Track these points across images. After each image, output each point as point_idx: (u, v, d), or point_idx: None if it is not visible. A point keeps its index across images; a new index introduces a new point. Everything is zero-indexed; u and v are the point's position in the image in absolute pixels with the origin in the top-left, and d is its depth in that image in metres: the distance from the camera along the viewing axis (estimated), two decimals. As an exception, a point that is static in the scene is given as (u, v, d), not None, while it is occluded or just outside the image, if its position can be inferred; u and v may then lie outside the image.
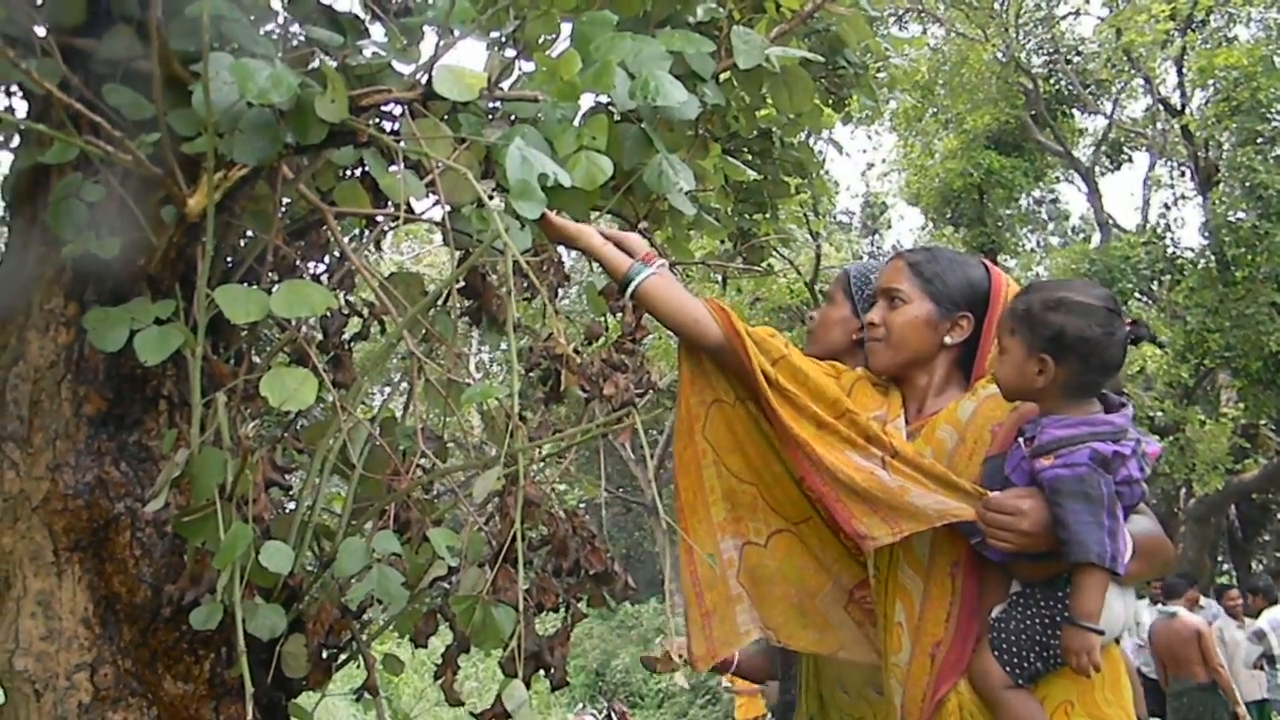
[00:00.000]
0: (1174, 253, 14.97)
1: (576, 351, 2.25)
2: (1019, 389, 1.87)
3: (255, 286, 2.23)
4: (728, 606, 2.08)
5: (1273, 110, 12.94)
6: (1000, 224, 17.72)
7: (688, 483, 2.08)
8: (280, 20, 2.36)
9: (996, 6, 15.21)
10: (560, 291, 2.31)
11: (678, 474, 2.09)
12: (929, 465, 1.87)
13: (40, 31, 2.11)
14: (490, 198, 1.93)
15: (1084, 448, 1.76)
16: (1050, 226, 20.80)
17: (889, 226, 21.27)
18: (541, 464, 2.36)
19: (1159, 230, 15.68)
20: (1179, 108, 14.81)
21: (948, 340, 2.03)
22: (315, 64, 2.10)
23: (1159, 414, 13.93)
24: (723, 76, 2.75)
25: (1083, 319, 1.80)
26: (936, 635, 1.89)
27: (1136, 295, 15.19)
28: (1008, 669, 1.81)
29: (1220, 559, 18.24)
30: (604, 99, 2.40)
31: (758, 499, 2.10)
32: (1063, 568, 1.78)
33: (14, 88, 2.28)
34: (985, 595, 1.89)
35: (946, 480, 1.85)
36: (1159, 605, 8.08)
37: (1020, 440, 1.86)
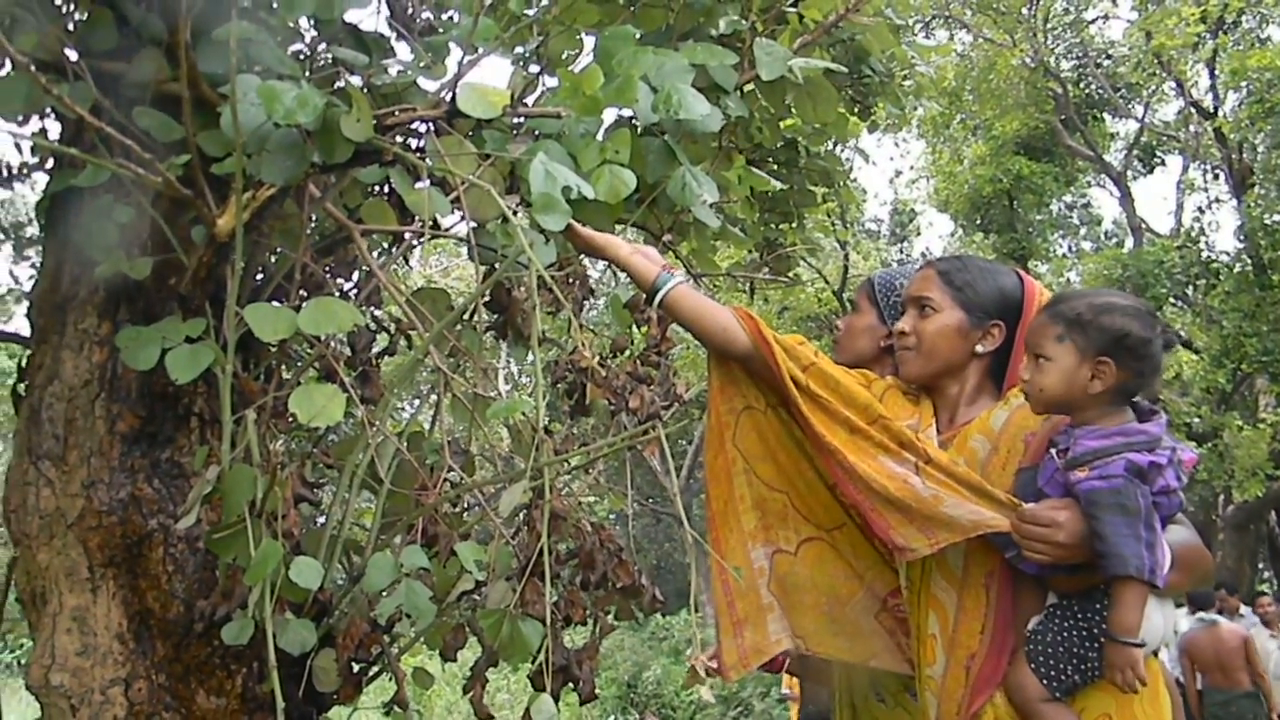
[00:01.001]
0: (1209, 257, 14.77)
1: (602, 364, 2.25)
2: (1063, 397, 1.82)
3: (284, 304, 2.26)
4: (759, 615, 2.08)
5: (1308, 111, 12.77)
6: (1031, 229, 17.57)
7: (718, 491, 2.08)
8: (307, 41, 2.39)
9: (1024, 12, 15.11)
10: (585, 305, 2.31)
11: (708, 483, 2.09)
12: (963, 473, 1.85)
13: (72, 55, 2.15)
14: (514, 212, 1.94)
15: (1119, 459, 1.73)
16: (1082, 231, 20.59)
17: (918, 234, 21.14)
18: (569, 476, 2.37)
19: (1193, 234, 15.49)
20: (1211, 110, 14.63)
21: (979, 349, 2.01)
22: (341, 84, 2.12)
23: (1196, 420, 13.73)
24: (746, 88, 2.76)
25: (1138, 321, 1.78)
26: (971, 648, 1.87)
27: (1171, 300, 15.00)
28: (1045, 682, 1.78)
29: (1261, 566, 17.94)
30: (627, 113, 2.41)
31: (788, 506, 2.10)
32: (1099, 579, 1.75)
33: (47, 111, 2.32)
34: (1020, 607, 1.86)
35: (980, 489, 1.84)
36: (1198, 614, 7.98)
37: (1053, 452, 1.83)
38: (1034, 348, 1.87)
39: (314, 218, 2.44)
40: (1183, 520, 1.90)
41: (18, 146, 2.50)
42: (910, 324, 2.04)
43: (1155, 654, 1.88)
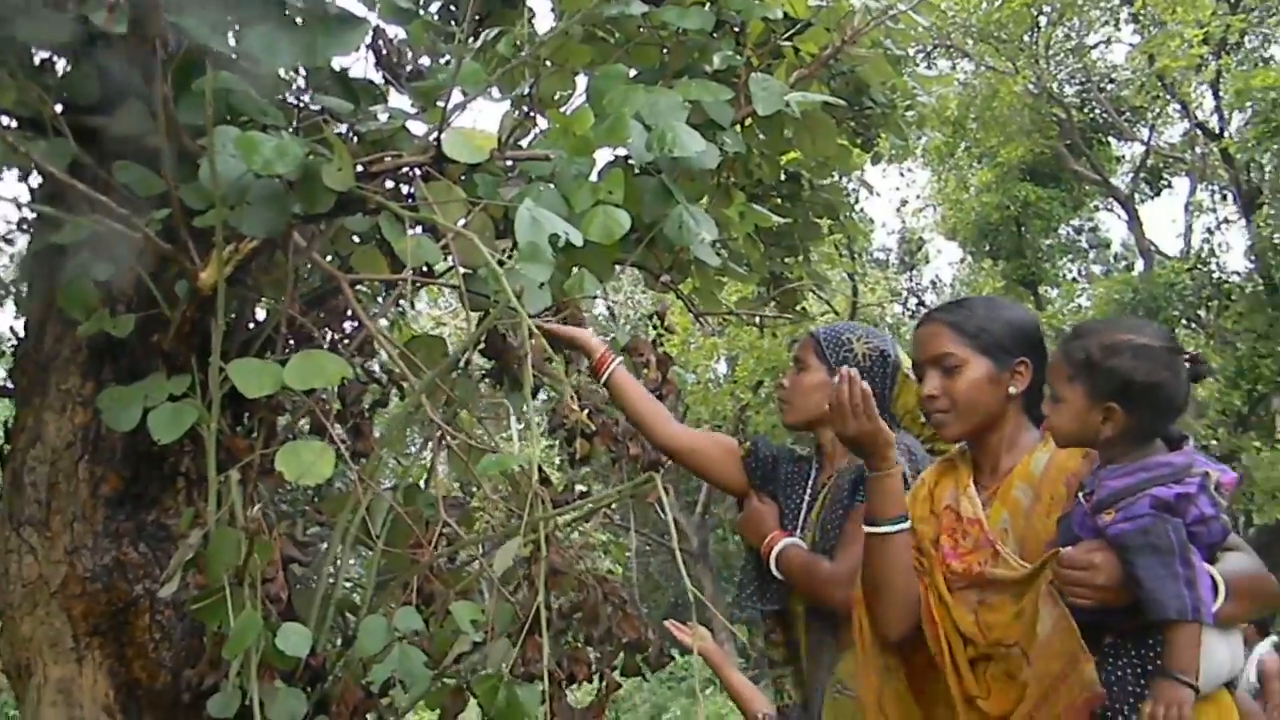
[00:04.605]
0: (1220, 278, 14.67)
1: (599, 410, 2.18)
2: (1078, 438, 1.78)
3: (272, 357, 2.20)
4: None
5: (1314, 130, 12.70)
6: (1040, 255, 17.50)
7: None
8: (295, 89, 2.35)
9: (1026, 39, 15.13)
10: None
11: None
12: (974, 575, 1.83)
13: (57, 107, 2.12)
14: (506, 259, 1.89)
15: (1144, 496, 1.67)
16: (1091, 255, 20.49)
17: (927, 261, 21.07)
18: (569, 528, 2.29)
19: (1203, 256, 15.39)
20: (1217, 131, 14.58)
21: (1011, 390, 1.93)
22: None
23: (1213, 443, 13.56)
24: (744, 124, 2.71)
25: (1149, 363, 1.72)
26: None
27: (1183, 322, 14.88)
28: None
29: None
30: (623, 152, 2.36)
31: None
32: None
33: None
34: None
35: (984, 581, 1.81)
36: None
37: (1081, 496, 1.77)
38: (1050, 386, 1.81)
39: (303, 268, 2.39)
40: (1242, 545, 1.81)
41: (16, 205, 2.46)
42: (937, 386, 1.95)
43: (1231, 687, 1.78)
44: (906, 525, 1.89)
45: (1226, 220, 16.41)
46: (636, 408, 2.20)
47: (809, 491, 2.28)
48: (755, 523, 2.26)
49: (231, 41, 1.97)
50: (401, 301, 3.06)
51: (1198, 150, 15.97)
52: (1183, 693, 1.62)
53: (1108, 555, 1.67)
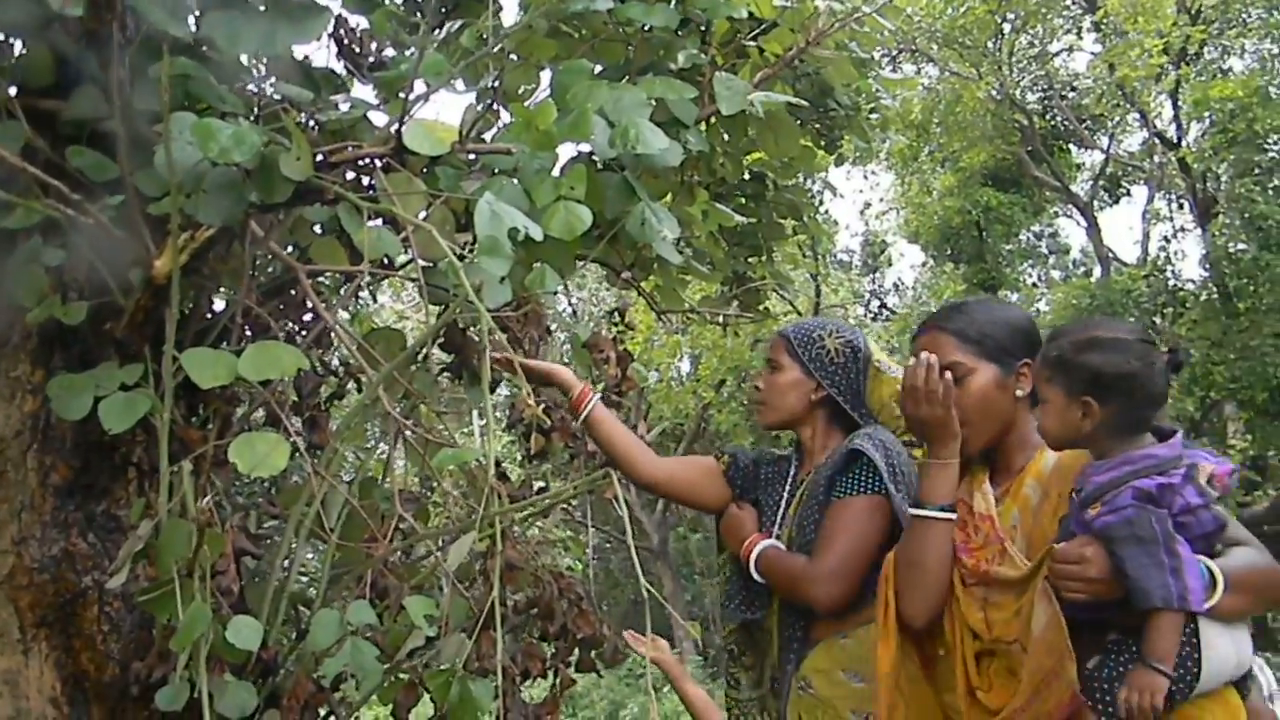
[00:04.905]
0: (1175, 285, 14.90)
1: (557, 405, 2.18)
2: (1064, 436, 1.82)
3: (228, 347, 2.18)
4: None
5: (1270, 141, 12.92)
6: (1001, 260, 17.69)
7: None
8: (256, 78, 2.32)
9: (990, 45, 15.28)
10: (541, 347, 2.25)
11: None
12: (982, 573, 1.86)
13: (10, 90, 2.08)
14: (466, 252, 1.88)
15: (1126, 489, 1.70)
16: (1051, 261, 20.74)
17: (890, 264, 21.23)
18: (526, 524, 2.29)
19: (1159, 263, 15.63)
20: (1175, 141, 14.81)
21: (1019, 393, 1.96)
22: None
23: (1167, 448, 13.76)
24: (709, 122, 2.72)
25: (1119, 355, 1.75)
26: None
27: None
28: (1104, 718, 1.72)
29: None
30: (586, 148, 2.36)
31: None
32: None
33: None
34: (1080, 651, 1.77)
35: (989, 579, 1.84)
36: None
37: (1073, 493, 1.81)
38: (1037, 389, 1.86)
39: (262, 258, 2.36)
40: (1250, 540, 1.82)
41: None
42: None
43: (1243, 686, 1.78)
44: (952, 516, 1.92)
45: (1183, 229, 16.67)
46: (615, 445, 2.19)
47: (788, 488, 2.29)
48: (734, 528, 2.26)
49: (191, 27, 1.95)
50: (362, 294, 3.04)
51: (1156, 159, 16.21)
52: (1156, 679, 1.64)
53: (1097, 549, 1.70)
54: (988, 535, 1.91)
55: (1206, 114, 13.60)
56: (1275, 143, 12.94)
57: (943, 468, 1.91)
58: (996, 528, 1.91)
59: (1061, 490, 1.86)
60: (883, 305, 20.31)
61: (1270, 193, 12.78)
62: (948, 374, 1.88)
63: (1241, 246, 13.31)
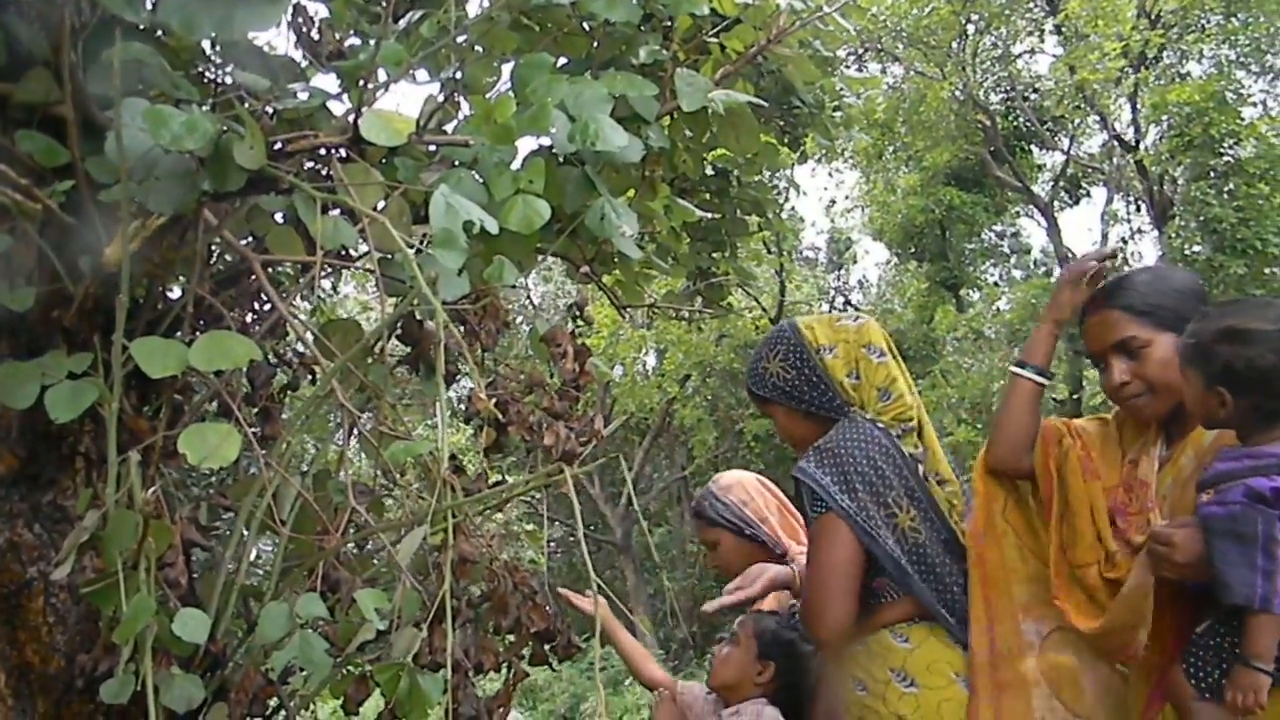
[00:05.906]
0: (1132, 286, 15.09)
1: (513, 401, 2.18)
2: (1205, 420, 1.84)
3: (180, 337, 2.15)
4: (1022, 688, 2.03)
5: (1225, 145, 13.15)
6: (963, 258, 17.88)
7: (993, 555, 2.10)
8: (213, 65, 2.29)
9: (954, 46, 15.41)
10: (499, 339, 2.24)
11: (986, 545, 2.11)
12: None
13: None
14: (423, 243, 1.87)
15: (1240, 484, 1.70)
16: (1012, 260, 20.98)
17: (854, 261, 21.38)
18: (481, 517, 2.28)
19: (1117, 264, 15.85)
20: (1134, 144, 15.02)
21: None
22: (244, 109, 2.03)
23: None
24: (669, 119, 2.72)
25: (1253, 348, 1.73)
26: (1154, 660, 1.88)
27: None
28: (1192, 681, 1.76)
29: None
30: (546, 141, 2.35)
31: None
32: None
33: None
34: (1191, 615, 1.83)
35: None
36: None
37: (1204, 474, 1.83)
38: (1180, 371, 1.88)
39: (216, 246, 2.33)
40: None
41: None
42: (1127, 372, 1.97)
43: None
44: (1039, 379, 2.11)
45: (1140, 230, 16.95)
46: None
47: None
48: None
49: (146, 10, 1.92)
50: (321, 284, 3.01)
51: (1114, 161, 16.44)
52: (1258, 678, 1.66)
53: (1188, 533, 1.71)
54: (1143, 501, 1.92)
55: (1164, 117, 13.82)
56: (1230, 147, 13.17)
57: (1043, 334, 2.16)
58: (1150, 494, 1.92)
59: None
60: (847, 302, 20.46)
61: (1225, 196, 13.01)
62: (1095, 264, 2.08)
63: (1197, 249, 13.54)
